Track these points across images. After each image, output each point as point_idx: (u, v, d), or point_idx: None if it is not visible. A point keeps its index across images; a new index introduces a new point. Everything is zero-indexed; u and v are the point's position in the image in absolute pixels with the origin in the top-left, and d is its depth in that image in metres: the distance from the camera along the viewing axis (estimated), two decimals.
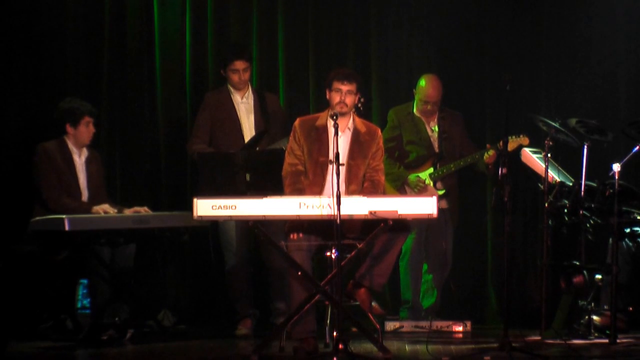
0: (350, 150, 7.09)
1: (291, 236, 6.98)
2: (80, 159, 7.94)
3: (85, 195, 7.89)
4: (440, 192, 8.26)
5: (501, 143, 7.52)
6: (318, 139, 7.15)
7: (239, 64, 8.14)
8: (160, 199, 8.80)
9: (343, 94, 7.10)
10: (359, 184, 7.16)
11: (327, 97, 7.17)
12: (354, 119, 7.22)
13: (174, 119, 8.94)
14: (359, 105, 7.72)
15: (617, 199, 7.38)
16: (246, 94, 8.25)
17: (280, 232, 7.07)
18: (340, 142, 6.92)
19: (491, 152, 8.12)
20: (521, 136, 8.13)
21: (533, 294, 8.44)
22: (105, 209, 7.71)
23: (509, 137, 8.04)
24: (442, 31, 8.81)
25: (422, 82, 8.34)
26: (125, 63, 8.93)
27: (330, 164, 6.79)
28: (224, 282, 8.21)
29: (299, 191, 7.05)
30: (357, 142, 7.17)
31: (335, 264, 6.75)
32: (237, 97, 8.23)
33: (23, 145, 8.53)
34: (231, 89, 8.23)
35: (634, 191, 7.69)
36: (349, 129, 7.16)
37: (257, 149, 7.95)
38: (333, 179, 6.68)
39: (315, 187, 7.06)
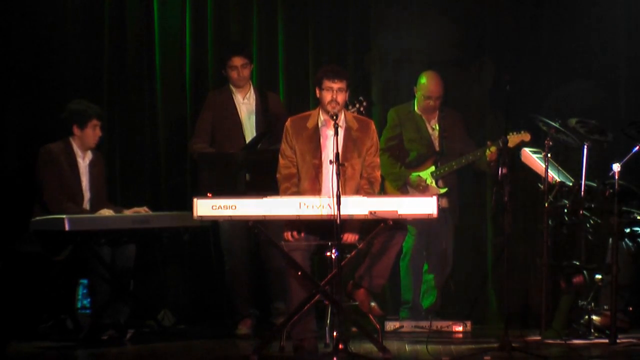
0: (344, 149, 7.07)
1: (285, 235, 6.98)
2: (84, 161, 7.93)
3: (86, 198, 7.89)
4: (442, 191, 8.26)
5: (502, 140, 7.54)
6: (310, 140, 7.13)
7: (237, 60, 8.14)
8: (160, 199, 8.80)
9: (334, 92, 7.07)
10: (356, 184, 7.15)
11: (317, 95, 7.15)
12: (345, 115, 7.20)
13: (174, 119, 8.94)
14: (361, 108, 7.72)
15: (617, 199, 7.38)
16: (248, 94, 8.25)
17: (280, 232, 7.07)
18: (334, 142, 6.89)
19: (493, 149, 8.12)
20: (522, 132, 8.14)
21: (533, 294, 8.44)
22: (105, 215, 7.69)
23: (510, 133, 8.05)
24: (442, 31, 8.80)
25: (423, 79, 8.36)
26: (125, 63, 8.93)
27: (331, 164, 6.78)
28: (224, 282, 8.21)
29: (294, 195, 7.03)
30: (351, 140, 7.15)
31: (335, 264, 6.75)
32: (238, 97, 8.23)
33: (23, 145, 8.53)
34: (233, 88, 8.22)
35: (634, 191, 7.70)
36: (340, 127, 7.13)
37: (258, 148, 7.96)
38: (333, 178, 6.67)
39: (310, 192, 7.04)
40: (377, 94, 8.79)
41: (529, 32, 8.81)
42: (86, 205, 7.86)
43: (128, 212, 7.80)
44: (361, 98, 7.78)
